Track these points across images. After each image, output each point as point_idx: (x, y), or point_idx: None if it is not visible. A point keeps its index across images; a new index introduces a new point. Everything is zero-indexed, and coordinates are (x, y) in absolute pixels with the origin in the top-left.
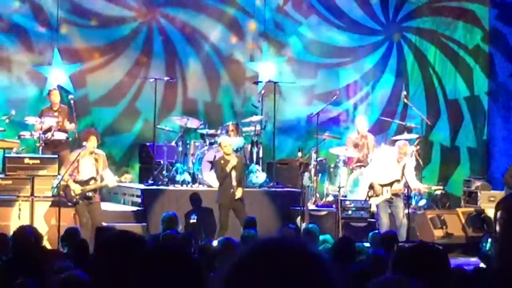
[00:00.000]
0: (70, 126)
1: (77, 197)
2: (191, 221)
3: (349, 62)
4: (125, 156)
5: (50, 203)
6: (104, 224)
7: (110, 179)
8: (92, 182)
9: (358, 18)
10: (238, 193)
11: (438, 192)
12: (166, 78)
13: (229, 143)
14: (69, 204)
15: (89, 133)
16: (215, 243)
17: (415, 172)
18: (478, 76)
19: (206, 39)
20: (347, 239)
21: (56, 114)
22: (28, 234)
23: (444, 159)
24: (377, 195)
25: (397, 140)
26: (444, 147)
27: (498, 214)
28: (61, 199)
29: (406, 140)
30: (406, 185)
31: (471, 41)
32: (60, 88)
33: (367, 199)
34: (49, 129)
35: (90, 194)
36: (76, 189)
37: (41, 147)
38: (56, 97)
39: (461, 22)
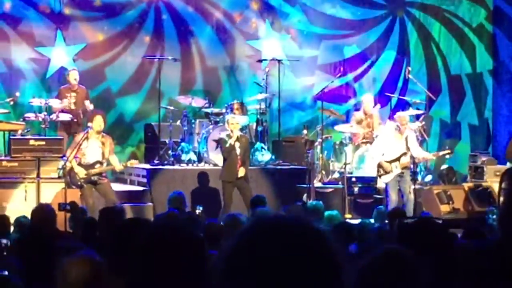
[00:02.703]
0: (90, 106)
1: (82, 180)
2: (197, 211)
3: (352, 35)
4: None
5: (56, 184)
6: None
7: (117, 165)
8: (97, 166)
9: None
10: (241, 172)
11: (447, 156)
12: (170, 58)
13: (237, 121)
14: (73, 187)
15: (94, 113)
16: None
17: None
18: (482, 54)
19: (209, 18)
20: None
21: (74, 94)
22: (50, 213)
23: (445, 135)
24: (387, 173)
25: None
26: (444, 122)
27: (503, 184)
28: (66, 180)
29: (411, 115)
30: (412, 159)
31: (475, 19)
32: (64, 69)
33: (379, 178)
34: (55, 111)
35: (95, 178)
36: (80, 172)
37: (46, 128)
38: (73, 77)
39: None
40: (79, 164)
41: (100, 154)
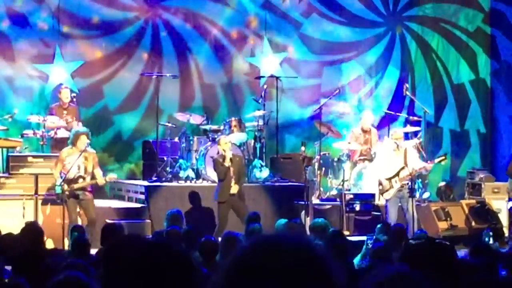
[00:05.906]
0: (78, 125)
1: (65, 195)
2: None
3: (353, 57)
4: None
5: (53, 201)
6: (109, 221)
7: (100, 178)
8: (80, 180)
9: (358, 12)
10: (233, 189)
11: (443, 163)
12: (168, 75)
13: (228, 140)
14: (58, 201)
15: (78, 134)
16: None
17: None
18: (482, 59)
19: (207, 35)
20: (339, 232)
21: (65, 112)
22: (39, 231)
23: (455, 144)
24: (387, 190)
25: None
26: (453, 132)
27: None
28: (62, 196)
29: (409, 132)
30: (409, 176)
31: (472, 24)
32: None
33: (381, 195)
34: (52, 128)
35: (78, 192)
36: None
37: (44, 145)
38: (65, 95)
39: (461, 7)
40: (63, 179)
41: (83, 169)
